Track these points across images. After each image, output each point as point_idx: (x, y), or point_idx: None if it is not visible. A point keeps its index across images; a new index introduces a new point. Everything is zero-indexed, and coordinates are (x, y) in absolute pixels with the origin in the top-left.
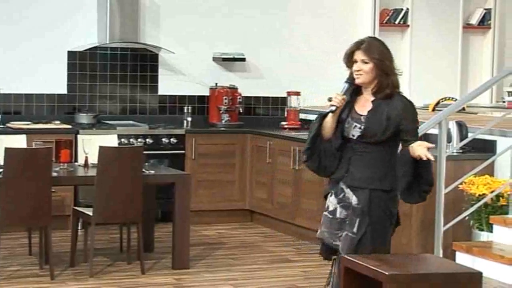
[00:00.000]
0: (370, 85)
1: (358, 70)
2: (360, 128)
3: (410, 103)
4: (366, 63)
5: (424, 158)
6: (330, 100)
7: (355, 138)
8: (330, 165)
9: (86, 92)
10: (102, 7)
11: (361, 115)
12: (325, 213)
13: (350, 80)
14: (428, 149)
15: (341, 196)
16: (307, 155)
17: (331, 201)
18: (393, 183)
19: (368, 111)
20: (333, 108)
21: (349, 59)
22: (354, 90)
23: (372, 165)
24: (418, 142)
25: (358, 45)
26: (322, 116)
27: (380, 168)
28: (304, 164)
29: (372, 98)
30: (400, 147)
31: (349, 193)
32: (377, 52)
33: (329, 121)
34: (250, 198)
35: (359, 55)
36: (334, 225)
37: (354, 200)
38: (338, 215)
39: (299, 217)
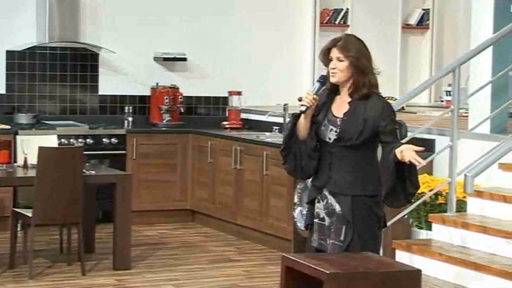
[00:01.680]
0: (346, 84)
1: (333, 68)
2: (336, 131)
3: (388, 104)
4: (341, 61)
5: (416, 163)
6: (300, 99)
7: (331, 141)
8: (307, 166)
9: (25, 92)
10: (41, 6)
11: (337, 118)
12: (316, 220)
13: (322, 79)
14: (417, 152)
15: (325, 202)
16: (283, 156)
17: (320, 208)
18: (377, 187)
19: (344, 113)
20: (303, 108)
21: (326, 57)
22: (332, 90)
23: (354, 170)
24: (405, 146)
25: (334, 43)
26: (295, 116)
27: (362, 173)
28: (283, 166)
29: (349, 99)
30: (380, 149)
31: (332, 199)
32: (354, 49)
33: (302, 121)
34: (191, 198)
35: (335, 53)
36: (326, 232)
37: (337, 207)
38: (326, 222)
39: (241, 217)
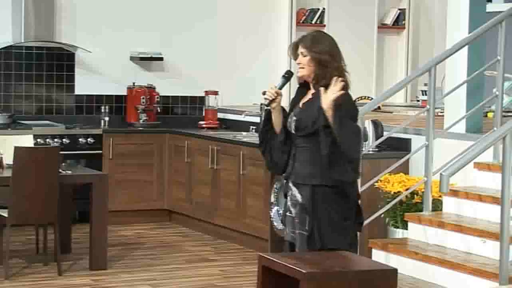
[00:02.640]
0: (311, 78)
1: (298, 63)
2: (295, 120)
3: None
4: (305, 56)
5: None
6: (264, 93)
7: (293, 131)
8: (280, 161)
9: (0, 91)
10: (16, 6)
11: (299, 108)
12: (287, 213)
13: (287, 73)
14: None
15: (289, 193)
16: (261, 151)
17: (288, 200)
18: (338, 178)
19: (303, 104)
20: (266, 102)
21: (294, 52)
22: (305, 85)
23: (314, 160)
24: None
25: (301, 39)
26: (268, 111)
27: (322, 163)
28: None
29: (313, 91)
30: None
31: (295, 190)
32: (315, 44)
33: (274, 116)
34: (168, 198)
35: (300, 48)
36: (293, 224)
37: (299, 197)
38: (292, 213)
39: (218, 217)
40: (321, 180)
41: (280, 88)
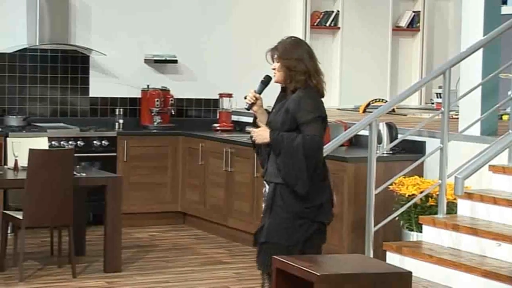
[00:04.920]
0: (284, 82)
1: (273, 69)
2: (268, 123)
3: (307, 96)
4: (277, 61)
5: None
6: (245, 98)
7: None
8: (264, 160)
9: (15, 94)
10: (31, 8)
11: (273, 111)
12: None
13: (265, 78)
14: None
15: (264, 190)
16: (255, 153)
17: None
18: (295, 179)
19: (276, 106)
20: (246, 106)
21: (271, 58)
22: (284, 89)
23: None
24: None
25: (275, 45)
26: (255, 115)
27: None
28: None
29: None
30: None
31: (266, 187)
32: (283, 50)
33: (258, 118)
34: (182, 200)
35: (272, 54)
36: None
37: (266, 194)
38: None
39: (232, 219)
40: (282, 180)
41: (259, 93)
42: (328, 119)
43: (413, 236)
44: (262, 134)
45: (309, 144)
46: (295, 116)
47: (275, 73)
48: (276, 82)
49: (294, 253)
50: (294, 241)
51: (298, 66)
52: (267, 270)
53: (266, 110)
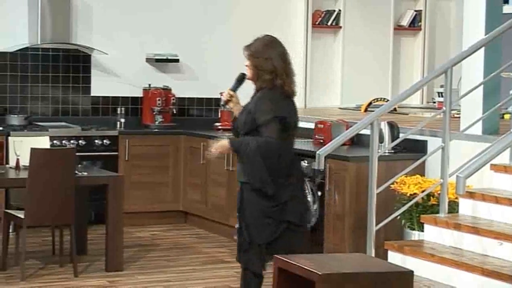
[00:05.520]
0: (252, 80)
1: (246, 66)
2: (237, 120)
3: (267, 96)
4: (248, 59)
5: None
6: (221, 94)
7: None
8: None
9: (17, 93)
10: (33, 8)
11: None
12: None
13: (239, 76)
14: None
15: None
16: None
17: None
18: (247, 180)
19: (246, 104)
20: (222, 103)
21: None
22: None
23: None
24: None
25: (250, 42)
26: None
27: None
28: None
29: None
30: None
31: (239, 187)
32: (254, 49)
33: (236, 114)
34: (183, 200)
35: (246, 52)
36: None
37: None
38: None
39: (233, 218)
40: (247, 178)
41: (234, 90)
42: (331, 118)
43: (415, 235)
44: (222, 145)
45: (265, 147)
46: (254, 116)
47: (248, 71)
48: (248, 79)
49: (263, 252)
50: (263, 239)
51: (265, 65)
52: (245, 266)
53: (243, 107)
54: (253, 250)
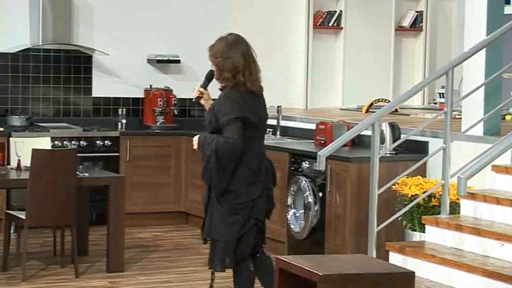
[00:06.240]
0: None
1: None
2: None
3: (228, 96)
4: (210, 59)
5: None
6: (193, 91)
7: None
8: None
9: (18, 94)
10: (34, 8)
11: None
12: None
13: (208, 74)
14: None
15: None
16: None
17: None
18: (209, 178)
19: (211, 104)
20: (193, 99)
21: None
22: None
23: None
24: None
25: (213, 43)
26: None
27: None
28: None
29: None
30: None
31: None
32: (215, 49)
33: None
34: (185, 200)
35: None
36: None
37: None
38: None
39: None
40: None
41: (204, 87)
42: (332, 119)
43: (416, 236)
44: (195, 140)
45: (223, 148)
46: (217, 116)
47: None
48: (215, 78)
49: (230, 249)
50: (230, 236)
51: (226, 64)
52: (211, 267)
53: (210, 106)
54: (222, 248)
